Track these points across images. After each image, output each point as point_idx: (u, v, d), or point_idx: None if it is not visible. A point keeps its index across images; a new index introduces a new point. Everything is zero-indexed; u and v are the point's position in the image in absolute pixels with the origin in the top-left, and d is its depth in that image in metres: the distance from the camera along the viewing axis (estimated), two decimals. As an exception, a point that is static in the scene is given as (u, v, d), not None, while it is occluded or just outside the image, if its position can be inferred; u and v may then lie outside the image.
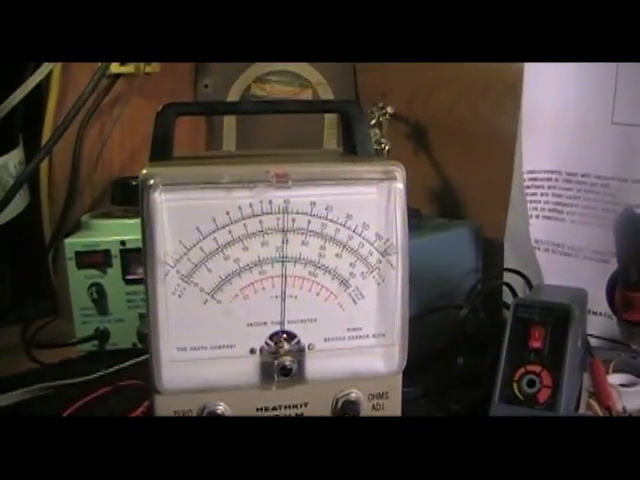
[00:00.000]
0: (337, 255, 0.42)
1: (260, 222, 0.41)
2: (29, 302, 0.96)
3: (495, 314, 0.74)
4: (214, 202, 0.40)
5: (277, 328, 0.42)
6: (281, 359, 0.42)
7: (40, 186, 0.90)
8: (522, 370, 0.59)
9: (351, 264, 0.42)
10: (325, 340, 0.43)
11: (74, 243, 0.77)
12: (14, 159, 0.85)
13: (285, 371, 0.42)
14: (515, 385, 0.59)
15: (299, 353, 0.42)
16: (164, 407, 0.42)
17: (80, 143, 0.89)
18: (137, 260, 0.76)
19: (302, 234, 0.41)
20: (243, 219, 0.40)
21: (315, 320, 0.42)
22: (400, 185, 0.42)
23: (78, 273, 0.77)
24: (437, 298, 0.74)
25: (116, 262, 0.77)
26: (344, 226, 0.42)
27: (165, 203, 0.39)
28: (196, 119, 0.99)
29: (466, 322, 0.72)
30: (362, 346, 0.43)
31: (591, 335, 0.70)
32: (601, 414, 0.58)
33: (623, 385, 0.63)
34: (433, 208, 0.90)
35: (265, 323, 0.42)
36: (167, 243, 0.40)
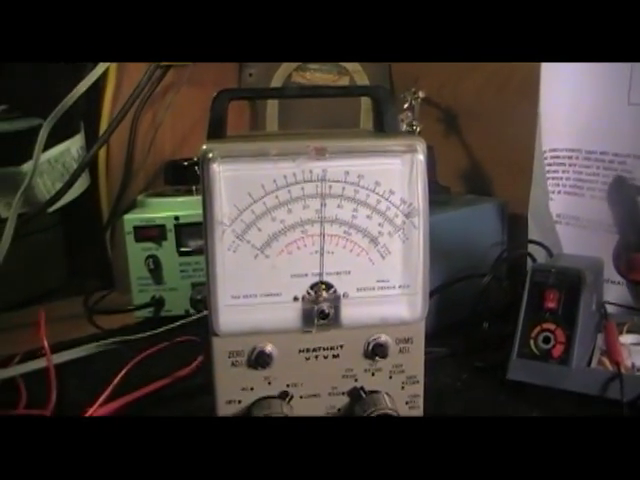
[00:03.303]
0: (368, 217, 0.46)
1: (302, 189, 0.45)
2: (88, 277, 1.01)
3: (519, 284, 0.78)
4: (263, 172, 0.44)
5: (317, 279, 0.46)
6: (320, 305, 0.46)
7: (98, 169, 0.96)
8: (538, 328, 0.63)
9: (379, 224, 0.46)
10: (358, 290, 0.47)
11: (132, 219, 0.82)
12: (76, 144, 0.92)
13: (323, 315, 0.46)
14: (532, 342, 0.62)
15: (335, 300, 0.46)
16: (220, 348, 0.47)
17: (135, 129, 0.95)
18: (189, 234, 0.81)
19: (337, 199, 0.45)
20: (287, 186, 0.44)
21: (349, 272, 0.46)
22: (421, 156, 0.45)
23: (136, 246, 0.82)
24: (465, 269, 0.77)
25: (170, 236, 0.81)
26: (373, 192, 0.45)
27: (222, 173, 0.44)
28: (240, 108, 1.03)
29: (490, 289, 0.76)
30: (389, 295, 0.47)
31: (609, 302, 0.73)
32: (610, 369, 0.63)
33: (635, 344, 0.67)
34: (462, 186, 0.93)
35: (306, 275, 0.46)
36: (224, 206, 0.44)
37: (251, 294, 0.46)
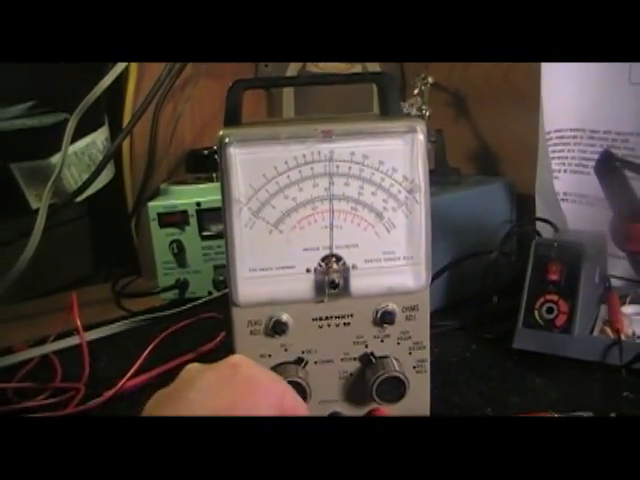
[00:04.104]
0: (373, 193, 0.48)
1: (311, 168, 0.47)
2: (114, 264, 1.05)
3: (527, 259, 0.81)
4: (275, 154, 0.47)
5: (327, 252, 0.49)
6: (331, 276, 0.49)
7: (123, 160, 0.99)
8: (542, 299, 0.66)
9: (384, 200, 0.48)
10: (365, 261, 0.49)
11: (156, 206, 0.86)
12: (101, 136, 0.95)
13: (334, 285, 0.49)
14: (536, 312, 0.66)
15: (345, 272, 0.49)
16: (240, 318, 0.50)
17: (156, 121, 0.98)
18: (211, 218, 0.85)
19: (345, 177, 0.48)
20: (298, 166, 0.47)
21: (357, 245, 0.49)
22: (421, 137, 0.48)
23: (160, 232, 0.86)
24: (475, 246, 0.80)
25: (193, 221, 0.85)
26: (378, 170, 0.48)
27: (238, 156, 0.47)
28: (257, 98, 1.05)
29: (499, 265, 0.79)
30: (395, 266, 0.49)
31: (614, 276, 0.75)
32: (612, 336, 0.66)
33: (636, 314, 0.69)
34: (471, 167, 0.96)
35: (318, 248, 0.49)
36: (240, 186, 0.47)
37: (267, 267, 0.49)
